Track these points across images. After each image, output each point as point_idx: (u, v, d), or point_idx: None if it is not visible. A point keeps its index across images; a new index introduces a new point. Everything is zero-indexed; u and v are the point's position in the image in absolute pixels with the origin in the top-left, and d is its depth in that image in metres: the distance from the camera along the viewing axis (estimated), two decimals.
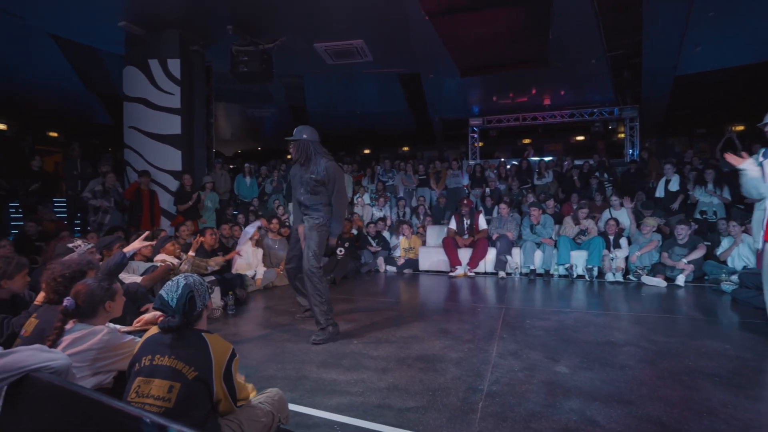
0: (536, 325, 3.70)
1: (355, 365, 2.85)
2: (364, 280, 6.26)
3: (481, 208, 7.73)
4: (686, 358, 2.89)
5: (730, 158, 3.30)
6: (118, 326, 2.35)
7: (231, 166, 11.10)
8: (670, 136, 14.18)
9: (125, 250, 2.76)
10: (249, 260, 5.74)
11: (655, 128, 13.28)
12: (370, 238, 7.25)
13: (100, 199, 6.50)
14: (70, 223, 7.23)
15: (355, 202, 8.68)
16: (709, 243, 5.80)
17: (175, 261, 3.93)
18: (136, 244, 2.81)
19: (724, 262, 5.34)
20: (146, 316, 2.44)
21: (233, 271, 5.42)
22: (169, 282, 1.62)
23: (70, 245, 2.99)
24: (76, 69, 8.71)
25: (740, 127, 12.27)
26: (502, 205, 6.63)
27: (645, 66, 8.26)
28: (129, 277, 3.37)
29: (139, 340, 1.90)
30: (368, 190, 9.61)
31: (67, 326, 1.78)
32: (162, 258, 3.91)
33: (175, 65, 6.81)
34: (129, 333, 2.32)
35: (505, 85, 9.91)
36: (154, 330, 1.64)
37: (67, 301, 1.76)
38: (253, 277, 5.60)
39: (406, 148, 17.15)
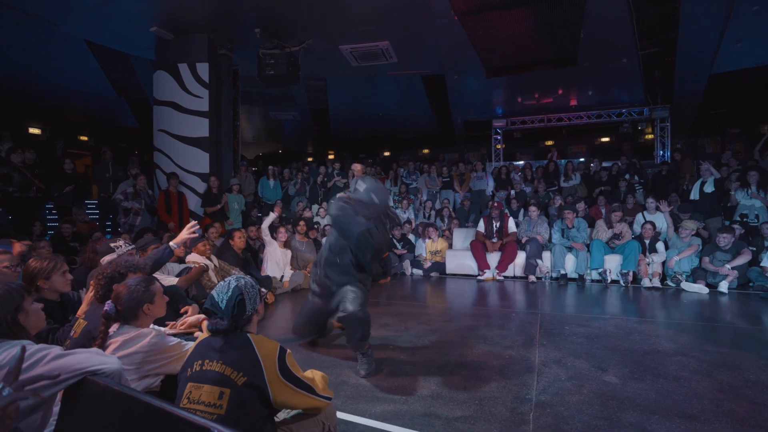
0: (576, 332, 3.57)
1: (394, 371, 2.79)
2: (391, 284, 6.19)
3: (506, 211, 7.58)
4: (745, 370, 2.72)
5: None
6: (163, 329, 2.35)
7: (253, 169, 11.20)
8: (702, 137, 13.70)
9: (173, 242, 2.80)
10: (277, 261, 5.74)
11: (686, 128, 12.85)
12: (395, 240, 7.18)
13: (131, 201, 6.61)
14: (102, 225, 7.39)
15: None
16: (753, 248, 5.53)
17: (207, 261, 3.93)
18: (184, 234, 2.74)
19: None
20: (190, 319, 2.43)
21: (262, 273, 5.43)
22: (222, 282, 1.59)
23: (113, 244, 3.03)
24: (108, 75, 8.93)
25: None
26: (532, 208, 6.47)
27: (679, 64, 7.97)
28: (165, 279, 3.39)
29: (186, 343, 1.88)
30: (391, 192, 9.56)
31: (113, 329, 1.77)
32: (194, 259, 3.93)
33: (203, 69, 6.90)
34: (174, 335, 2.32)
35: (530, 85, 9.73)
36: (205, 334, 1.62)
37: (107, 305, 1.75)
38: (281, 279, 5.60)
39: (426, 151, 17.07)
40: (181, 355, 1.81)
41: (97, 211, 7.95)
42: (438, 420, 2.14)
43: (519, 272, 6.20)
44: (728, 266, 5.17)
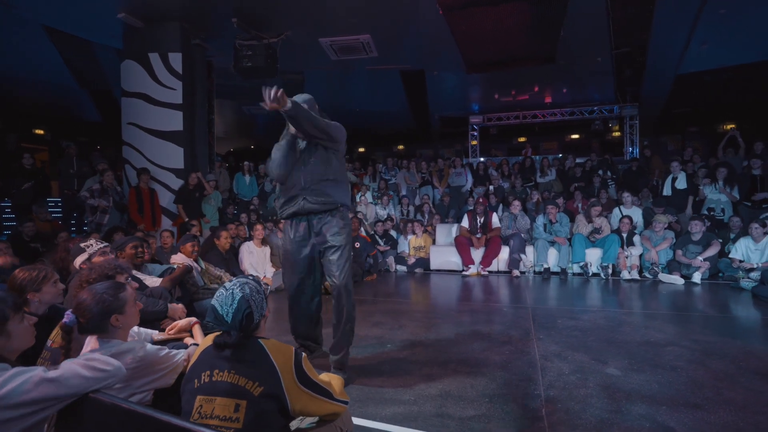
0: (569, 325, 3.62)
1: (396, 371, 2.72)
2: (376, 280, 6.11)
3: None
4: (735, 358, 2.83)
5: None
6: (152, 331, 2.18)
7: (226, 165, 10.81)
8: (664, 134, 14.34)
9: (171, 306, 2.68)
10: (254, 260, 5.53)
11: (650, 126, 13.41)
12: (377, 237, 7.11)
13: (98, 198, 6.22)
14: (66, 224, 6.92)
15: (358, 200, 8.54)
16: (720, 240, 5.81)
17: (193, 264, 3.73)
18: (183, 322, 2.23)
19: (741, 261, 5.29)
20: (180, 323, 2.26)
21: (245, 273, 5.23)
22: (223, 292, 1.42)
23: (83, 244, 2.81)
24: (68, 64, 8.34)
25: (732, 125, 12.48)
26: (515, 203, 6.56)
27: (649, 64, 8.28)
28: (147, 279, 3.17)
29: (176, 353, 1.73)
30: (370, 188, 9.48)
31: (91, 345, 1.58)
32: (179, 260, 3.71)
33: (176, 59, 6.54)
34: (163, 341, 2.15)
35: (508, 82, 9.85)
36: (208, 340, 1.48)
37: (67, 316, 1.55)
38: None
39: (401, 147, 17.04)
40: (174, 367, 1.67)
41: (60, 209, 7.45)
42: (451, 420, 2.09)
43: (503, 267, 6.27)
44: (700, 258, 5.42)
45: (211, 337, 1.48)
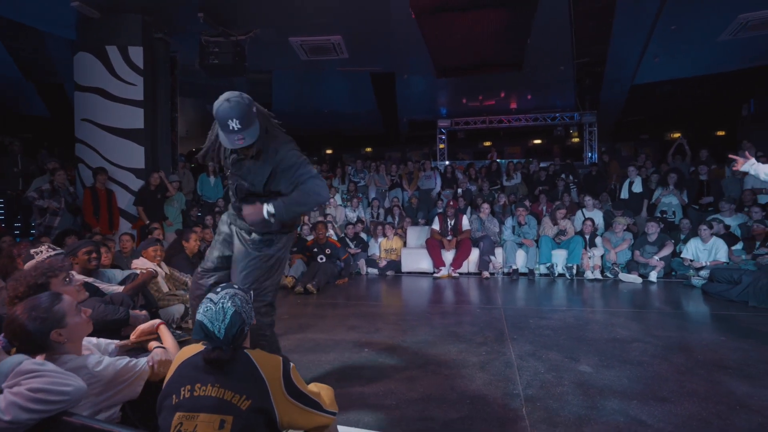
0: (542, 325, 3.72)
1: (376, 375, 2.69)
2: (348, 284, 6.04)
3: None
4: (693, 351, 3.01)
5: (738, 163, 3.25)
6: (115, 341, 2.03)
7: (192, 165, 10.38)
8: (619, 141, 15.18)
9: (133, 312, 2.55)
10: None
11: (606, 133, 14.15)
12: (348, 239, 7.05)
13: (48, 199, 5.78)
14: (9, 226, 6.40)
15: (328, 203, 8.44)
16: (672, 241, 6.19)
17: (156, 268, 3.53)
18: (146, 326, 1.99)
19: (691, 260, 5.65)
20: (144, 327, 2.10)
21: None
22: (210, 306, 1.33)
23: (33, 250, 2.59)
24: (12, 53, 7.72)
25: (678, 134, 13.41)
26: (485, 206, 6.70)
27: (607, 74, 8.74)
28: (108, 287, 2.97)
29: (137, 361, 1.62)
30: (339, 190, 9.40)
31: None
32: (141, 264, 3.50)
33: (137, 53, 6.20)
34: (127, 349, 2.01)
35: (476, 87, 10.09)
36: (187, 352, 1.39)
37: (0, 342, 1.43)
38: None
39: (368, 149, 17.04)
40: (137, 375, 1.56)
41: (2, 211, 6.87)
42: (435, 423, 2.09)
43: (473, 269, 6.37)
44: (656, 258, 5.74)
45: (188, 349, 1.39)
